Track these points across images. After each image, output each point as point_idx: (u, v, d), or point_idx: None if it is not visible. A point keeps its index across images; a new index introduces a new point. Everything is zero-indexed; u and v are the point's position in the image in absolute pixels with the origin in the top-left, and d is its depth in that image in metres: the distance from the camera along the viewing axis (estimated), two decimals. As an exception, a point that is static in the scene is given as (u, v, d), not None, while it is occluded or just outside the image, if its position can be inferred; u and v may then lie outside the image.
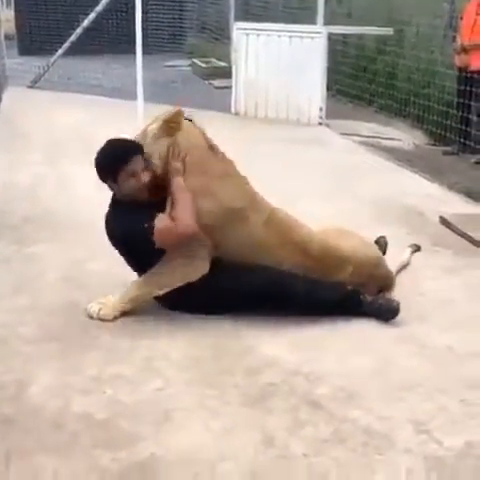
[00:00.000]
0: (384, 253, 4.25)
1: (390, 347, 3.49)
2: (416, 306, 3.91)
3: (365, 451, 2.69)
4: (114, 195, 3.73)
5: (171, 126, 3.56)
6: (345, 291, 3.79)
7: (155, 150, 3.58)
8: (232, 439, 2.75)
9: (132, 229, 3.52)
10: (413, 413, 2.91)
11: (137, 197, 3.58)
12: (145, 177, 3.56)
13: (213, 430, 2.80)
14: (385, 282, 4.02)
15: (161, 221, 3.49)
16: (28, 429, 2.80)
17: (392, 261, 4.21)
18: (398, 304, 3.72)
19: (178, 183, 3.53)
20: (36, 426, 2.82)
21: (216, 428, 2.81)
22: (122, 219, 3.60)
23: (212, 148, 3.67)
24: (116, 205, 3.70)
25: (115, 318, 3.66)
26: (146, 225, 3.47)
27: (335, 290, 3.78)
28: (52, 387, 3.09)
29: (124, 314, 3.69)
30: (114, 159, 3.59)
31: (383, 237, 4.39)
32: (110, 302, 3.69)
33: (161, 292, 3.65)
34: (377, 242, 4.32)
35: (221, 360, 3.33)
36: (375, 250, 4.12)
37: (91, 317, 3.66)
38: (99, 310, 3.66)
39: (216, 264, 3.67)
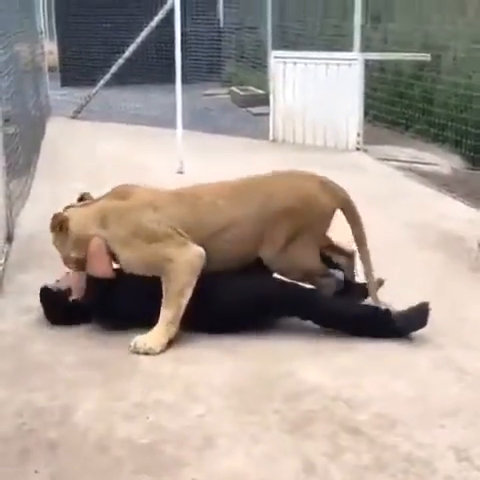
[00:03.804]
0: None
1: (430, 372, 3.49)
2: (455, 331, 3.90)
3: (406, 478, 2.69)
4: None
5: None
6: (370, 309, 3.86)
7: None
8: (273, 465, 2.78)
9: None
10: (454, 440, 2.91)
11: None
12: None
13: (254, 456, 2.83)
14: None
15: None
16: (73, 453, 2.87)
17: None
18: (428, 308, 3.72)
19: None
20: (81, 451, 2.88)
21: (257, 454, 2.84)
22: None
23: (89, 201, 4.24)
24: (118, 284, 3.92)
25: (162, 351, 3.68)
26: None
27: (357, 307, 3.89)
28: (96, 412, 3.15)
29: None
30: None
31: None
32: (153, 334, 3.70)
33: (185, 300, 3.71)
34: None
35: (261, 386, 3.36)
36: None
37: (137, 352, 3.66)
38: (145, 344, 3.67)
39: (213, 279, 3.79)
